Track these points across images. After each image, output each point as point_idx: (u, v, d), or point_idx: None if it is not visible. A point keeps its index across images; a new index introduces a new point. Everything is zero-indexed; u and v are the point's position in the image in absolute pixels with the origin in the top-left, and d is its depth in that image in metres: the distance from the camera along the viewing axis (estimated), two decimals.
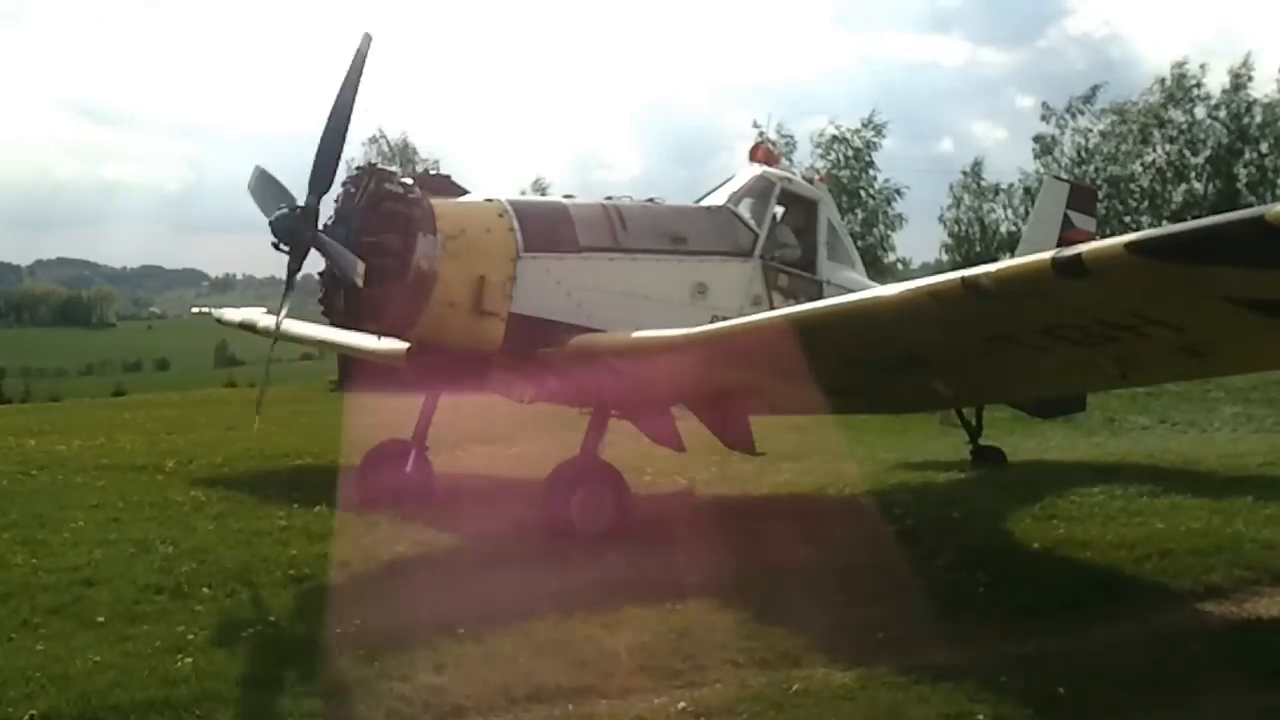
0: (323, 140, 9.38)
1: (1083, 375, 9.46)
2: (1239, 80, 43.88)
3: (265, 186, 10.02)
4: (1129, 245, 6.26)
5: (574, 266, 10.43)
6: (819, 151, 45.40)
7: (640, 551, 8.98)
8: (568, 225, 10.60)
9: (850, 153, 45.19)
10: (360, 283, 9.06)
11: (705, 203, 12.01)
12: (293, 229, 9.38)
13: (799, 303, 11.11)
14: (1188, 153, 44.82)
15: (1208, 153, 44.53)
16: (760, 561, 8.78)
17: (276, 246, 9.53)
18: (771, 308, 11.06)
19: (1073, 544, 9.68)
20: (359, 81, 9.43)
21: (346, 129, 9.49)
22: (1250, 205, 35.40)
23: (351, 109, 9.44)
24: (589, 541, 9.32)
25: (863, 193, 45.07)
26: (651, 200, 11.77)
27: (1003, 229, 46.03)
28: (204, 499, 11.87)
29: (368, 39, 9.45)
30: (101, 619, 7.33)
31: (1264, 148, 43.74)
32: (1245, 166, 44.16)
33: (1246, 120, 43.76)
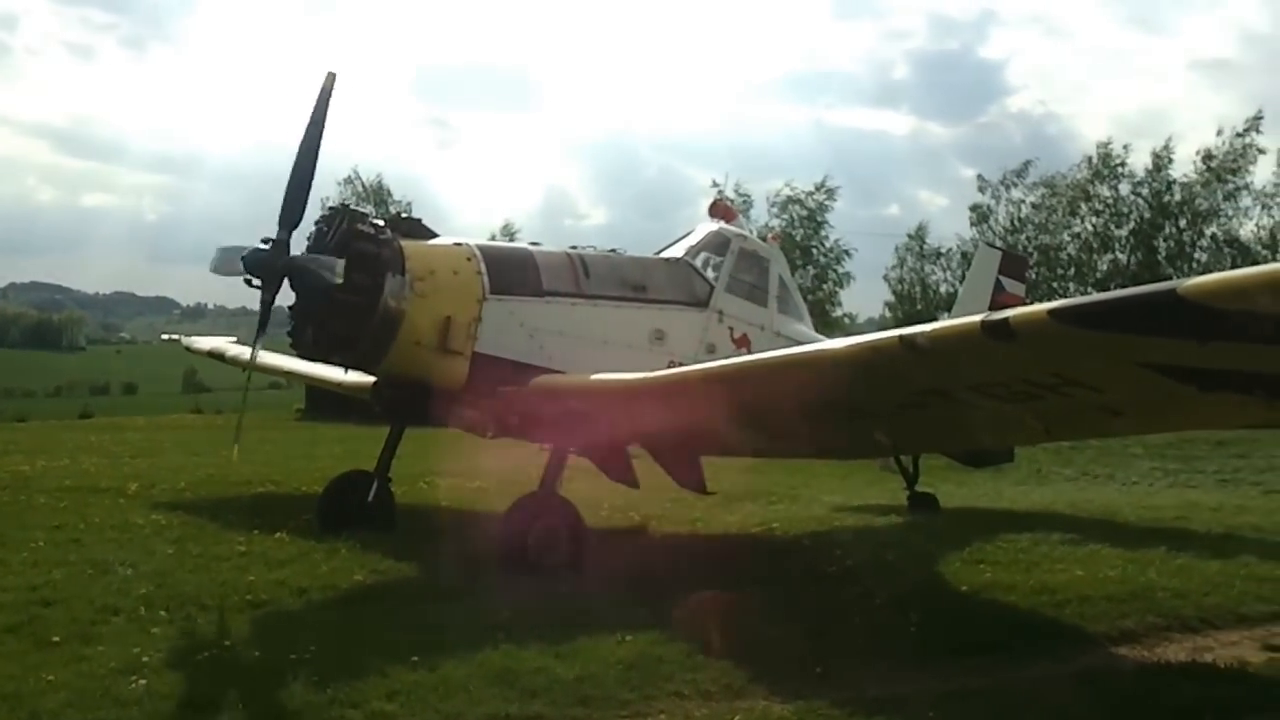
0: (292, 176, 9.66)
1: (1010, 429, 9.74)
2: (1160, 161, 46.15)
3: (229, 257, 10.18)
4: (1052, 312, 6.51)
5: (538, 310, 10.71)
6: (774, 210, 47.32)
7: (593, 585, 9.14)
8: (533, 270, 10.90)
9: (804, 213, 46.93)
10: (339, 280, 9.34)
11: (664, 255, 12.39)
12: (265, 261, 9.59)
13: (751, 352, 11.57)
14: (1112, 225, 46.96)
15: (1131, 226, 46.58)
16: (708, 597, 8.89)
17: (249, 282, 9.75)
18: (725, 356, 11.36)
19: (998, 588, 9.95)
20: (324, 119, 9.76)
21: (314, 166, 9.75)
22: (1169, 277, 36.86)
23: (318, 146, 9.76)
24: (544, 574, 9.44)
25: (814, 251, 46.69)
26: (614, 250, 12.10)
27: (942, 290, 47.96)
28: (165, 523, 11.88)
29: (332, 78, 9.77)
30: (57, 639, 7.32)
31: (1182, 223, 45.67)
32: (1165, 240, 46.12)
33: (1167, 198, 45.77)
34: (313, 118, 9.77)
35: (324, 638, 7.44)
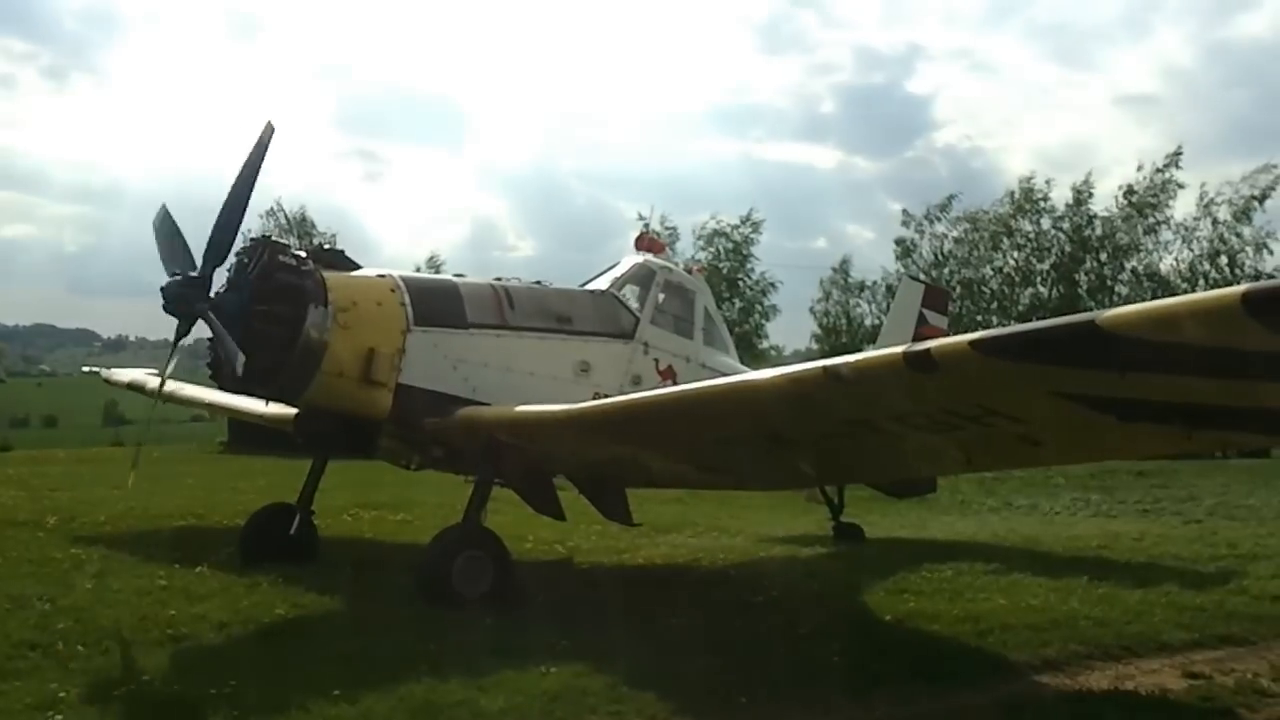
0: (221, 215, 9.61)
1: (932, 459, 9.78)
2: (1080, 196, 47.21)
3: (167, 228, 10.25)
4: (973, 343, 6.59)
5: (462, 342, 10.68)
6: (700, 243, 47.65)
7: (517, 617, 9.11)
8: (457, 302, 10.88)
9: (730, 246, 47.49)
10: (240, 373, 9.22)
11: (590, 287, 12.39)
12: (183, 297, 9.55)
13: (676, 384, 11.61)
14: (1034, 259, 47.83)
15: (1052, 260, 47.43)
16: (632, 628, 8.97)
17: (167, 310, 9.72)
18: (650, 387, 11.44)
19: (922, 617, 10.01)
20: (259, 167, 9.74)
21: (245, 209, 9.75)
22: (1089, 309, 37.68)
23: (250, 191, 9.73)
24: (468, 606, 9.37)
25: (740, 283, 47.19)
26: (539, 282, 12.08)
27: (867, 322, 48.35)
28: (84, 557, 11.68)
29: (270, 129, 9.73)
30: None
31: (1103, 257, 46.66)
32: (1086, 274, 46.98)
33: (1087, 232, 46.76)
34: (248, 163, 9.74)
35: (245, 672, 7.35)
